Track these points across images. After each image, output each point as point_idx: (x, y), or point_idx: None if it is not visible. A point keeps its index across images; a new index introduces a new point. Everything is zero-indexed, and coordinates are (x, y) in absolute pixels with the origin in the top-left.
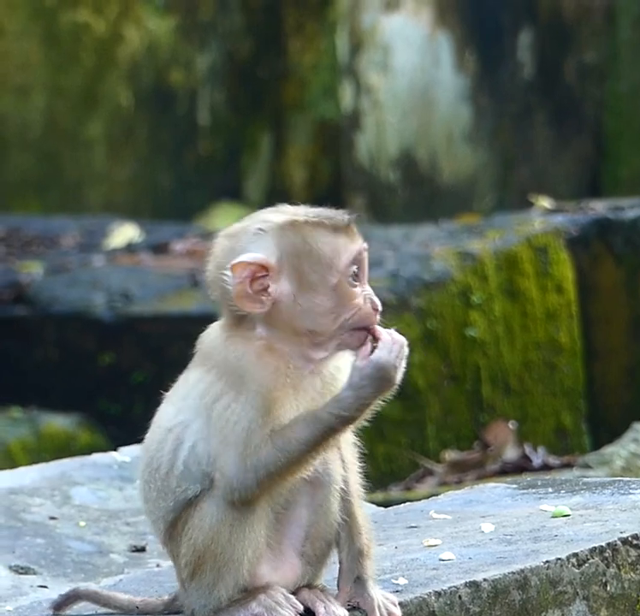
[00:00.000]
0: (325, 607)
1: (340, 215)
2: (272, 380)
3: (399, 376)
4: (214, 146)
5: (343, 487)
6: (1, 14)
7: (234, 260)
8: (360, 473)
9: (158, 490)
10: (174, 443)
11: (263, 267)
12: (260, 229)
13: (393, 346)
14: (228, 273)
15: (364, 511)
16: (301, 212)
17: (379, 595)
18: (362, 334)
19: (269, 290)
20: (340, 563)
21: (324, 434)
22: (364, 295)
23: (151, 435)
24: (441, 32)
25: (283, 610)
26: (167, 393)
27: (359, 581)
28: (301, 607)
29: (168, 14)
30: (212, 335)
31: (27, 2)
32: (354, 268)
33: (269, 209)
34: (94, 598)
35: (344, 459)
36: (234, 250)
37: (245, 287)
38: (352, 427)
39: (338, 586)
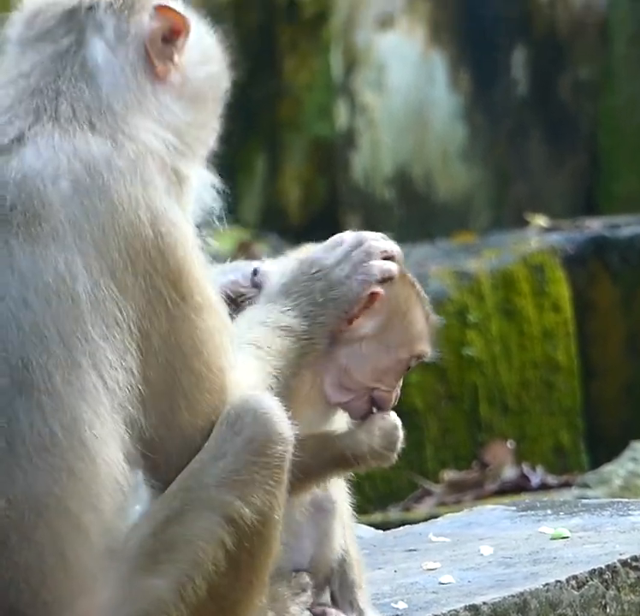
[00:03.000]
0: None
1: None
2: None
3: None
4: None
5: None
6: None
7: None
8: (350, 504)
9: None
10: None
11: None
12: None
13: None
14: None
15: (355, 542)
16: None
17: None
18: (370, 406)
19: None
20: (331, 594)
21: (333, 459)
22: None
23: None
24: (436, 50)
25: None
26: None
27: (357, 610)
28: None
29: None
30: None
31: None
32: (416, 360)
33: None
34: None
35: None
36: None
37: None
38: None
39: None
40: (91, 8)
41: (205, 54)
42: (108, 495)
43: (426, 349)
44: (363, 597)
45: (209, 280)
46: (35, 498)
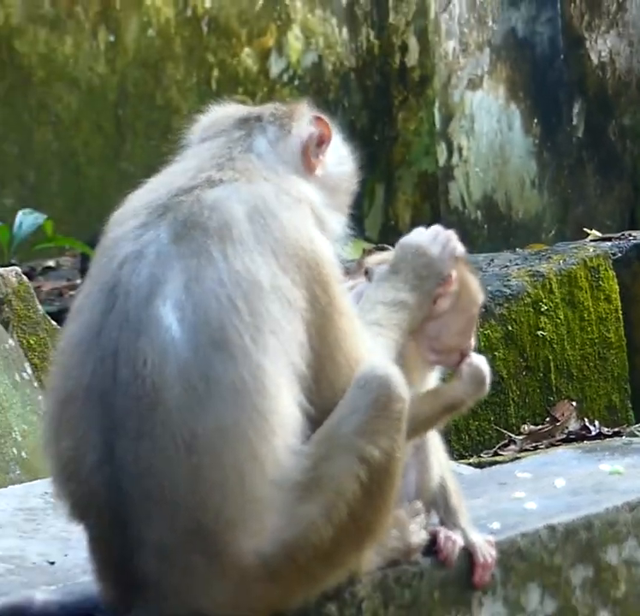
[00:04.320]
0: (444, 533)
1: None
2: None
3: (488, 385)
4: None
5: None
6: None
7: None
8: (444, 445)
9: None
10: None
11: None
12: None
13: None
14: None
15: (452, 475)
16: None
17: (479, 538)
18: (459, 356)
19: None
20: (440, 520)
21: (444, 408)
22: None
23: None
24: (513, 104)
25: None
26: None
27: (461, 530)
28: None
29: (304, 95)
30: None
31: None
32: (480, 309)
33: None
34: None
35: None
36: None
37: None
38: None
39: None
40: (258, 117)
41: (341, 158)
42: (280, 431)
43: (483, 297)
44: (464, 519)
45: (345, 293)
46: (224, 429)
